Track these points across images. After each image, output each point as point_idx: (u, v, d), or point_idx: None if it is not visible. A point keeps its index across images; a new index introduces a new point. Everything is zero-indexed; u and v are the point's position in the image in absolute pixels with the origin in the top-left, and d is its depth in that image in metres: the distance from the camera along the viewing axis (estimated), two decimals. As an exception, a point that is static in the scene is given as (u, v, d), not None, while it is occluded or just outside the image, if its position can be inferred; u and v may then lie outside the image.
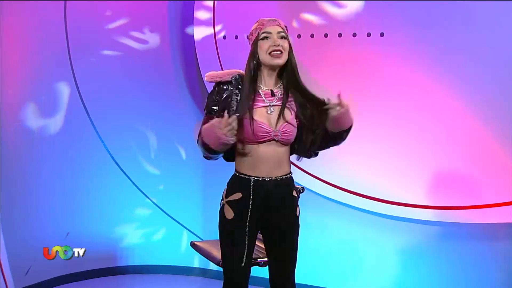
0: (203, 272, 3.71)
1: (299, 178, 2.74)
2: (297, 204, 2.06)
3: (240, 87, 1.92)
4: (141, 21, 3.64)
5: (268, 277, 2.08)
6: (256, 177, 1.93)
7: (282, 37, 1.89)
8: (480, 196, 2.81)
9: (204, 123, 1.88)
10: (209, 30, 3.53)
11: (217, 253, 2.42)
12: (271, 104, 1.93)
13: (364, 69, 3.06)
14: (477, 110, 2.80)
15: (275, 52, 1.86)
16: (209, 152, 1.87)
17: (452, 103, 2.85)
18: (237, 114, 1.83)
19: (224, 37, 3.49)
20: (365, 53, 3.05)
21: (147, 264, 3.78)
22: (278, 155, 1.93)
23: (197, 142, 1.92)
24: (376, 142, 3.05)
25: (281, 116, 1.91)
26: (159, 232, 3.80)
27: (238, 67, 2.01)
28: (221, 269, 2.07)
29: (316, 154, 2.05)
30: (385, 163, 3.04)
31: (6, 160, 3.09)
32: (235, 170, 1.99)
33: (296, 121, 1.95)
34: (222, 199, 2.00)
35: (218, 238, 2.04)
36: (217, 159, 1.98)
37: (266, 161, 1.92)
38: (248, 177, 1.94)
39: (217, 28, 3.51)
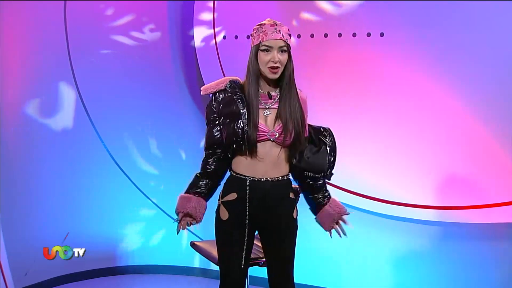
0: (203, 272, 3.72)
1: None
2: (296, 206, 2.06)
3: (236, 90, 1.94)
4: (141, 21, 3.65)
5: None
6: (252, 177, 1.93)
7: (283, 51, 1.89)
8: (480, 196, 2.81)
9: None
10: (209, 30, 3.53)
11: (217, 253, 2.41)
12: (267, 106, 1.94)
13: (364, 69, 3.06)
14: (477, 110, 2.80)
15: (273, 70, 1.88)
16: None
17: (452, 103, 2.85)
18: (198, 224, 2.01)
19: (224, 37, 3.50)
20: (365, 53, 3.05)
21: (147, 264, 3.79)
22: (274, 155, 1.94)
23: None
24: (376, 142, 3.05)
25: (278, 118, 1.92)
26: (159, 232, 3.80)
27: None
28: (221, 269, 2.06)
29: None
30: (385, 163, 3.04)
31: (6, 160, 3.09)
32: (232, 170, 2.00)
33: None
34: (218, 199, 2.02)
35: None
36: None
37: (262, 161, 1.92)
38: (244, 177, 1.94)
39: (217, 28, 3.51)
